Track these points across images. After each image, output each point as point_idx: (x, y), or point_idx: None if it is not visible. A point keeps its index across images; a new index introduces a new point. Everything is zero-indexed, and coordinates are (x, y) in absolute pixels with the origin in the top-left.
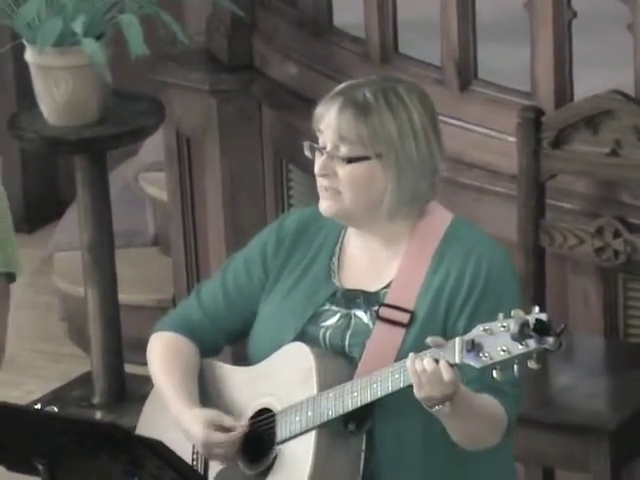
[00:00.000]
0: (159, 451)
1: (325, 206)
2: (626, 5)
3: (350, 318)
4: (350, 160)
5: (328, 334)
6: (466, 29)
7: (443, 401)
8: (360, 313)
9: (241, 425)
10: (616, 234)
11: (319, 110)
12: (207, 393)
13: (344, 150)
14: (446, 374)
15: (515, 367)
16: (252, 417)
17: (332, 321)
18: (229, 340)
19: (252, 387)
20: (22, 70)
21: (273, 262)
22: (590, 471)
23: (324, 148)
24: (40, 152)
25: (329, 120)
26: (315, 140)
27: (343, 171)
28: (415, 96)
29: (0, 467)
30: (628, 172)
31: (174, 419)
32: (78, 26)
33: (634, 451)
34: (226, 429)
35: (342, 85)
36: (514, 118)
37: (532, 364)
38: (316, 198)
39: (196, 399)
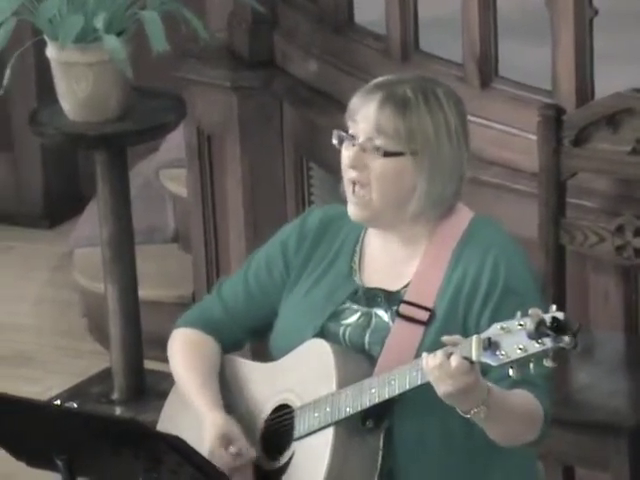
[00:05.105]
0: (178, 447)
1: (354, 212)
2: None
3: (371, 317)
4: (385, 153)
5: (348, 332)
6: (487, 26)
7: (462, 397)
8: (381, 312)
9: (249, 453)
10: (636, 232)
11: (356, 101)
12: (228, 389)
13: (379, 143)
14: (455, 365)
15: (531, 365)
16: (271, 413)
17: (352, 319)
18: (250, 336)
19: (272, 383)
20: (43, 66)
21: (295, 259)
22: (609, 470)
23: (355, 139)
24: (60, 148)
25: (367, 112)
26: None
27: (375, 164)
28: (452, 100)
29: (20, 462)
30: None
31: (196, 416)
32: (99, 22)
33: None
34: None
35: (380, 79)
36: (535, 116)
37: (548, 362)
38: (336, 195)
39: (217, 398)
